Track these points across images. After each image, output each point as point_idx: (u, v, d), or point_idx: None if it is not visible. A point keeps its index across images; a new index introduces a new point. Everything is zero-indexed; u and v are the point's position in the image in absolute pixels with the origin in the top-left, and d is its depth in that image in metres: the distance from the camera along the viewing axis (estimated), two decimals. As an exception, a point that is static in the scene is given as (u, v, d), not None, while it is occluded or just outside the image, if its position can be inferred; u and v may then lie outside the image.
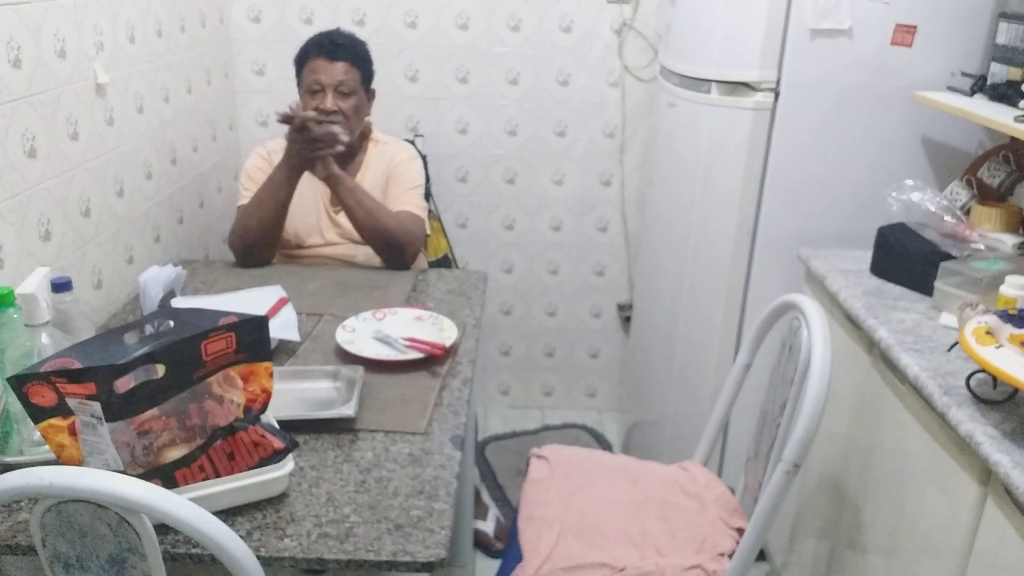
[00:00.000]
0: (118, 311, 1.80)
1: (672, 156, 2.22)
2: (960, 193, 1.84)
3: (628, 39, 2.55)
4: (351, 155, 2.08)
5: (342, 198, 1.95)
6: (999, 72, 1.76)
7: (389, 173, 2.07)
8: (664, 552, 1.46)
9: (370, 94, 2.07)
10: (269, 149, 2.10)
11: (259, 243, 1.99)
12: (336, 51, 1.98)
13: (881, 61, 1.88)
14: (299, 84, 2.04)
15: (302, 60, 2.02)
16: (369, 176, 2.08)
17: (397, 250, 1.99)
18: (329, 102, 1.96)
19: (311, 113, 1.89)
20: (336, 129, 1.89)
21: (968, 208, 1.80)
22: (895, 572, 1.45)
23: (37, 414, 1.03)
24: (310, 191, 2.06)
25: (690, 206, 2.12)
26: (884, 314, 1.59)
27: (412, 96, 2.60)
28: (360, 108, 2.03)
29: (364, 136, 2.12)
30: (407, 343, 1.58)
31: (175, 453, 1.10)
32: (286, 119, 1.88)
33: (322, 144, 1.89)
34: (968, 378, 1.30)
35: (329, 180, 1.94)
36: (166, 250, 2.10)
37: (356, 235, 2.05)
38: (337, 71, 1.97)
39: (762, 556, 2.08)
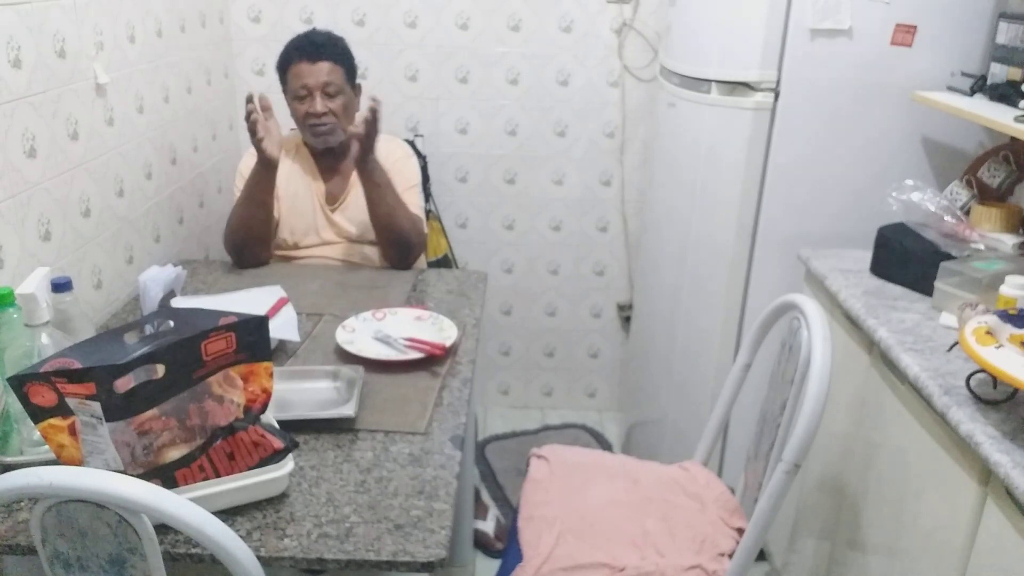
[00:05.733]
0: (118, 311, 1.80)
1: (672, 156, 2.22)
2: (960, 193, 1.84)
3: (628, 39, 2.55)
4: (345, 154, 2.08)
5: (368, 190, 1.94)
6: (999, 72, 1.76)
7: (385, 172, 2.07)
8: (664, 552, 1.46)
9: (356, 89, 2.07)
10: None
11: (246, 242, 1.99)
12: (316, 52, 1.96)
13: (881, 61, 1.88)
14: (285, 91, 2.03)
15: (284, 66, 2.01)
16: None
17: (405, 250, 2.00)
18: (318, 105, 1.95)
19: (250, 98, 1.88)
20: (253, 117, 1.85)
21: (968, 208, 1.80)
22: (895, 572, 1.45)
23: (37, 414, 1.03)
24: (305, 191, 2.06)
25: (690, 206, 2.12)
26: (884, 314, 1.59)
27: (412, 96, 2.60)
28: (349, 106, 2.02)
29: None
30: (407, 343, 1.58)
31: (175, 453, 1.10)
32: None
33: (251, 131, 1.87)
34: (968, 378, 1.30)
35: (364, 170, 1.92)
36: (166, 250, 2.10)
37: (353, 234, 2.05)
38: (321, 72, 1.96)
39: (762, 556, 2.08)
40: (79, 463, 1.05)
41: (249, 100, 1.86)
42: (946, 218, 1.71)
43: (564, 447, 1.76)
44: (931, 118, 1.93)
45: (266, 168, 1.93)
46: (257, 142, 1.88)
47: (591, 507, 1.56)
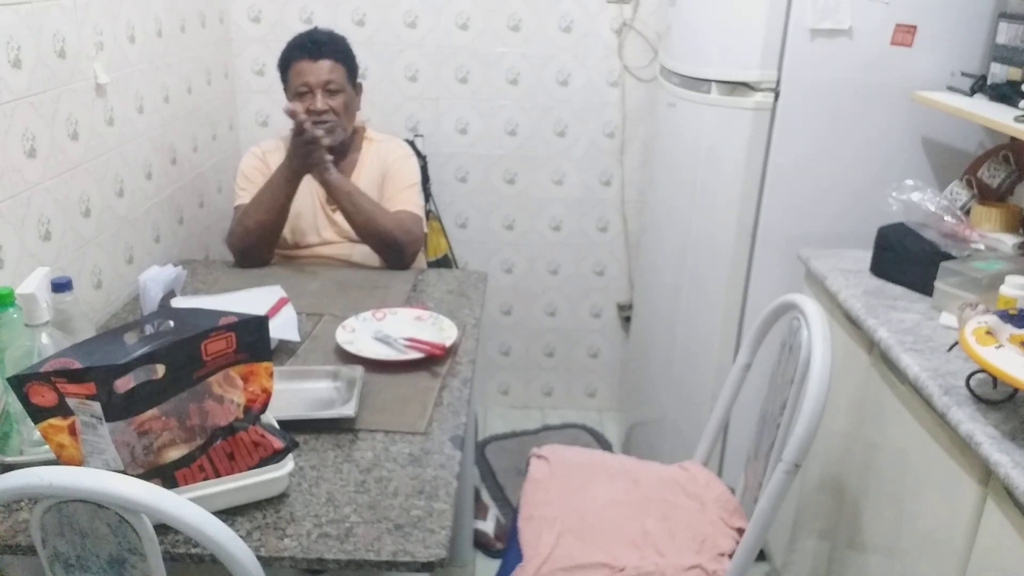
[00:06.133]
0: (118, 311, 1.80)
1: (672, 156, 2.22)
2: (960, 193, 1.84)
3: (628, 39, 2.55)
4: (345, 153, 2.08)
5: (339, 201, 1.94)
6: (999, 72, 1.76)
7: (384, 171, 2.07)
8: (664, 552, 1.46)
9: (357, 88, 2.07)
10: (264, 149, 2.10)
11: (258, 244, 1.99)
12: (318, 50, 1.97)
13: (881, 61, 1.88)
14: (286, 89, 2.04)
15: (285, 64, 2.02)
16: (364, 174, 2.08)
17: (396, 250, 1.99)
18: (319, 102, 1.96)
19: (304, 116, 1.86)
20: (317, 132, 1.85)
21: (968, 208, 1.80)
22: (895, 572, 1.45)
23: (37, 414, 1.03)
24: (306, 191, 2.05)
25: (690, 206, 2.12)
26: (884, 314, 1.59)
27: (412, 96, 2.60)
28: (350, 104, 2.03)
29: (358, 135, 2.12)
30: (407, 343, 1.58)
31: (175, 453, 1.10)
32: (292, 114, 1.87)
33: (313, 146, 1.87)
34: (968, 378, 1.30)
35: (326, 184, 1.93)
36: (166, 250, 2.10)
37: (353, 234, 2.05)
38: (322, 70, 1.96)
39: (762, 556, 2.08)
40: (79, 463, 1.05)
41: (301, 116, 1.84)
42: (946, 218, 1.71)
43: (564, 447, 1.76)
44: (931, 118, 1.93)
45: (297, 177, 1.93)
46: (318, 157, 1.86)
47: (591, 507, 1.56)
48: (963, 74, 1.85)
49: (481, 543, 2.25)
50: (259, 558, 0.97)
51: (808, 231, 2.01)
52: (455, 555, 2.11)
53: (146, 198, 1.98)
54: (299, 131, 1.85)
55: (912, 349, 1.44)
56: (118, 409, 1.03)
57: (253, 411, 1.17)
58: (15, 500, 1.12)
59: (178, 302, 1.61)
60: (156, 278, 1.58)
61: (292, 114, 1.85)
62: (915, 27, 1.86)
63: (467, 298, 1.86)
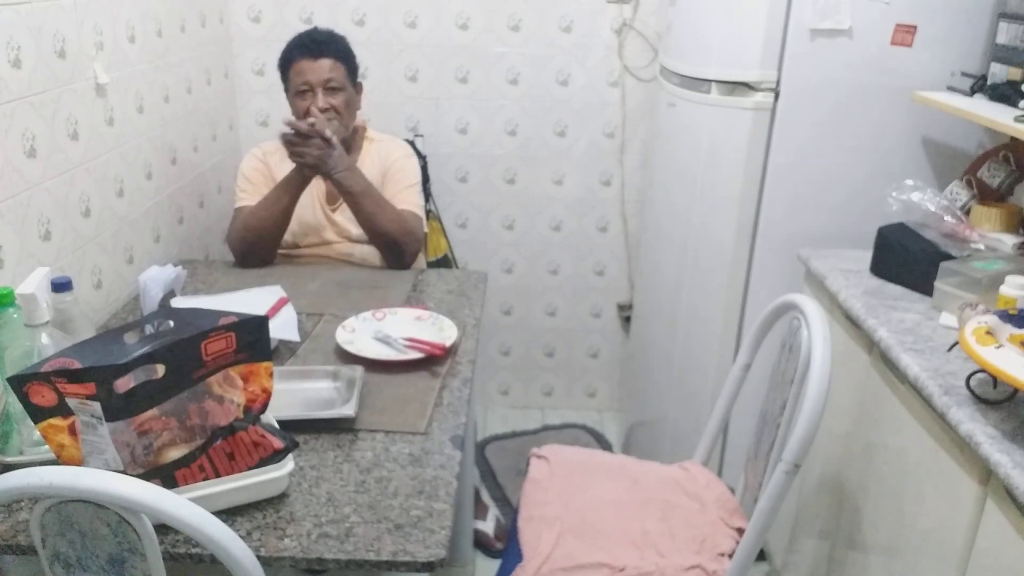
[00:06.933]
0: (118, 311, 1.80)
1: (672, 156, 2.22)
2: (960, 193, 1.84)
3: (628, 39, 2.55)
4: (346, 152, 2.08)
5: (344, 199, 1.95)
6: (999, 72, 1.76)
7: (385, 171, 2.07)
8: (664, 552, 1.46)
9: (357, 87, 2.08)
10: (265, 150, 2.11)
11: (258, 244, 1.99)
12: (318, 49, 1.98)
13: (881, 61, 1.88)
14: (286, 89, 2.04)
15: (286, 64, 2.02)
16: (365, 174, 2.07)
17: (397, 250, 1.99)
18: (320, 101, 1.96)
19: (301, 123, 1.88)
20: (326, 133, 1.88)
21: (968, 208, 1.80)
22: (895, 572, 1.45)
23: (37, 414, 1.03)
24: (306, 191, 2.05)
25: (690, 206, 2.12)
26: (884, 314, 1.59)
27: (412, 96, 2.60)
28: (350, 102, 2.03)
29: (359, 134, 2.12)
30: (407, 343, 1.58)
31: (175, 453, 1.10)
32: (292, 132, 1.88)
33: (318, 142, 1.88)
34: (968, 378, 1.30)
35: (331, 180, 1.93)
36: (166, 250, 2.10)
37: (353, 234, 2.05)
38: (323, 69, 1.97)
39: (762, 556, 2.08)
40: (79, 463, 1.05)
41: (301, 124, 1.88)
42: (946, 218, 1.71)
43: (564, 447, 1.76)
44: (931, 118, 1.93)
45: (306, 181, 1.95)
46: (326, 157, 1.89)
47: (591, 507, 1.56)
48: (963, 74, 1.85)
49: (481, 543, 2.25)
50: (259, 558, 0.97)
51: (808, 231, 2.01)
52: (455, 555, 2.11)
53: (146, 198, 1.98)
54: (306, 136, 1.87)
55: (912, 349, 1.44)
56: (118, 409, 1.03)
57: (253, 411, 1.17)
58: (15, 500, 1.12)
59: (178, 302, 1.61)
60: (156, 278, 1.58)
61: (293, 125, 1.87)
62: (915, 27, 1.86)
63: (467, 298, 1.86)
